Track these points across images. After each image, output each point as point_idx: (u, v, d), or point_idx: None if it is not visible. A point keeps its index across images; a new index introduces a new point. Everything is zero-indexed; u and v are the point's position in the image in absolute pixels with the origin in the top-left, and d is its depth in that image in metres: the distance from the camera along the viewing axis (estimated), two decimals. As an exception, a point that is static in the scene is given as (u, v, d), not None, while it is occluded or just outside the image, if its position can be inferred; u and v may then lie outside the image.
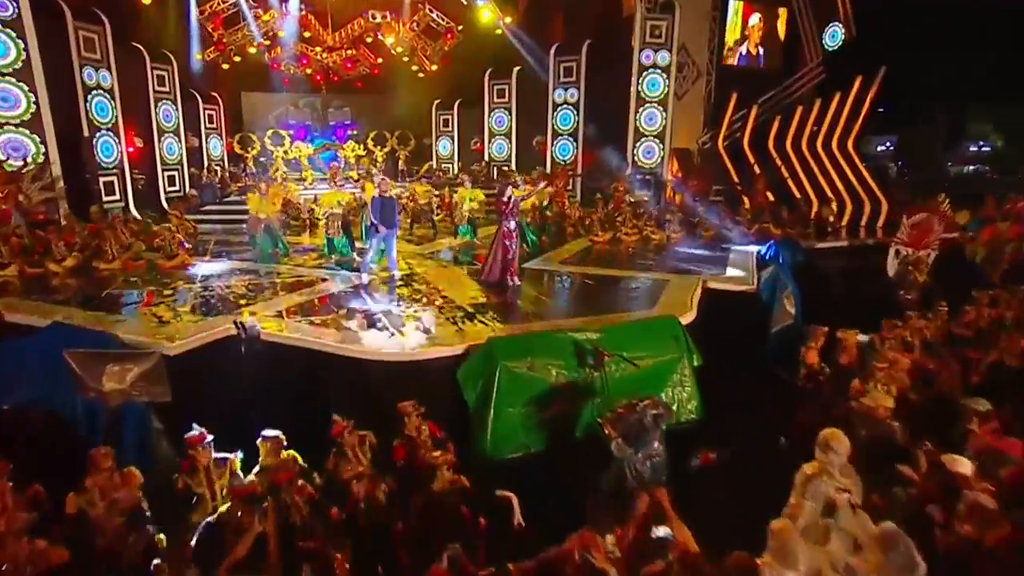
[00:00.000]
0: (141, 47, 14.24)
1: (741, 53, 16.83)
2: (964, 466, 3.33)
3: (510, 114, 17.99)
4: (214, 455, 4.19)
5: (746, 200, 14.04)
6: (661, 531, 2.92)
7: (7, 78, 10.74)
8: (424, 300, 7.96)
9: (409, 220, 13.20)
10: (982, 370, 5.44)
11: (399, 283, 8.87)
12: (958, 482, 3.20)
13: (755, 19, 16.60)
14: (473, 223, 12.38)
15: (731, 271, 9.69)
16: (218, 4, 16.38)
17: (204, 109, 17.09)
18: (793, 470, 3.43)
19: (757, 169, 14.29)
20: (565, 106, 16.55)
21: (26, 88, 10.91)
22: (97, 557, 3.55)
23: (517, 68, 17.24)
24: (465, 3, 16.89)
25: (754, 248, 11.04)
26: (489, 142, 18.48)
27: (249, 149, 18.49)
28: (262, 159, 18.59)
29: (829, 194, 14.11)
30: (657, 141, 15.34)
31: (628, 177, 14.87)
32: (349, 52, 18.62)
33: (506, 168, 17.81)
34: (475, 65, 17.80)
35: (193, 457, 4.11)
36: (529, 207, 11.84)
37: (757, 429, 5.52)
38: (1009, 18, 18.54)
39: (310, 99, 20.17)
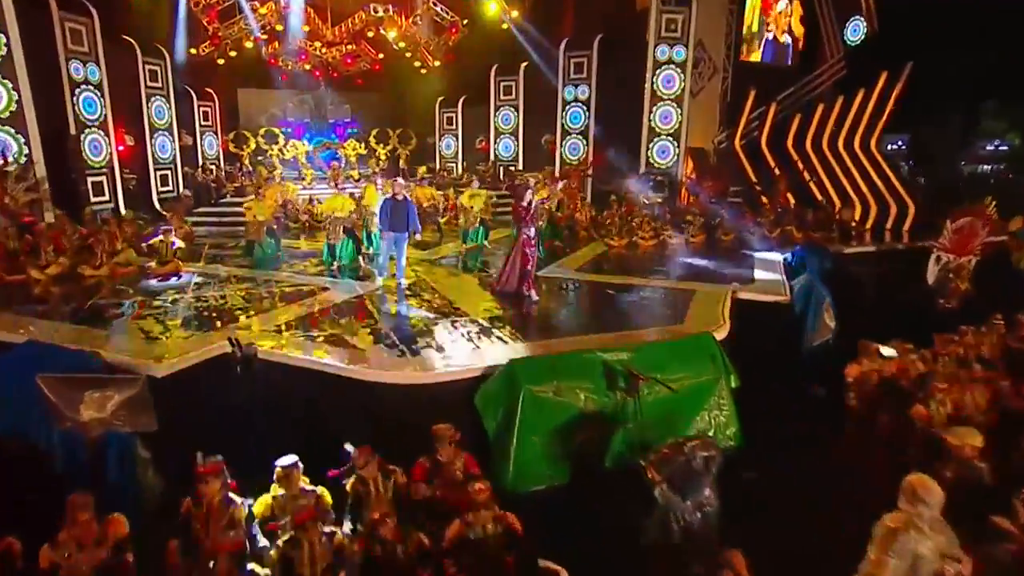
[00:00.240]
0: (132, 40, 13.70)
1: (767, 39, 16.10)
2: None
3: (517, 112, 17.46)
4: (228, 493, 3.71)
5: (766, 201, 13.53)
6: None
7: (-13, 72, 10.17)
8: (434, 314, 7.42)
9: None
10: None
11: (407, 292, 8.41)
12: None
13: (783, 4, 15.85)
14: (485, 225, 11.79)
15: (759, 276, 9.21)
16: (213, -4, 15.79)
17: (199, 106, 16.61)
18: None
19: (778, 170, 13.78)
20: (575, 103, 16.04)
21: (8, 84, 10.34)
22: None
23: (525, 64, 16.70)
24: (470, -4, 16.32)
25: (777, 254, 10.57)
26: (495, 141, 17.91)
27: (244, 147, 17.97)
28: (259, 158, 18.12)
29: (852, 196, 13.60)
30: (672, 140, 14.78)
31: (640, 178, 14.35)
32: (349, 47, 18.03)
33: (513, 168, 17.31)
34: (481, 61, 17.25)
35: (201, 490, 3.61)
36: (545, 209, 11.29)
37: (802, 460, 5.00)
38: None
39: (309, 96, 19.57)
